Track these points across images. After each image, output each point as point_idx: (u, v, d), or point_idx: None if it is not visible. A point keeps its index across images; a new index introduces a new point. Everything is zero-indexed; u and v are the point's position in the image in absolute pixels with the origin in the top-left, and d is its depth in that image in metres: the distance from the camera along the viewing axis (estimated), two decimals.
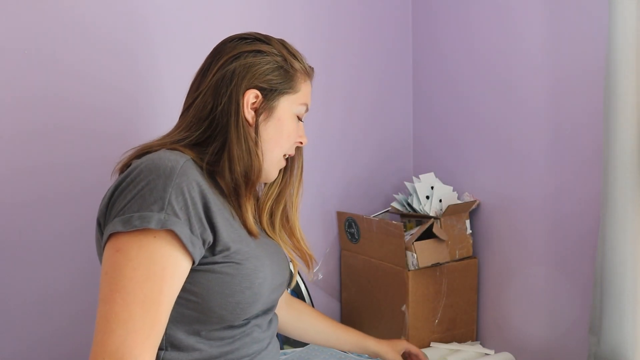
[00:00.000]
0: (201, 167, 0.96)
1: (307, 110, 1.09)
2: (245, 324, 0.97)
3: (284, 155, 1.06)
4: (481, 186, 1.71)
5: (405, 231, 1.66)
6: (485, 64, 1.68)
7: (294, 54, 1.05)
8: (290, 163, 1.12)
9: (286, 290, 1.18)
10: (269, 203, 1.11)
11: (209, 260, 0.90)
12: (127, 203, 0.86)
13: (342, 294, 1.88)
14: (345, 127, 1.87)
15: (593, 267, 1.36)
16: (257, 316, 1.00)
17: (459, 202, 1.70)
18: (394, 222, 1.64)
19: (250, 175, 0.98)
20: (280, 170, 1.09)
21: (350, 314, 1.86)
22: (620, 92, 1.18)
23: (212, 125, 0.99)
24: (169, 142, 0.98)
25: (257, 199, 1.11)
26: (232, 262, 0.91)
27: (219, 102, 0.98)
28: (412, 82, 1.98)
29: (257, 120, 0.99)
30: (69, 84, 1.42)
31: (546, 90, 1.50)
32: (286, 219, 1.13)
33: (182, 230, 0.85)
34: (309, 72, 1.08)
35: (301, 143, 1.10)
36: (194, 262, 0.89)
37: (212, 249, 0.91)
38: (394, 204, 1.78)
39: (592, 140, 1.37)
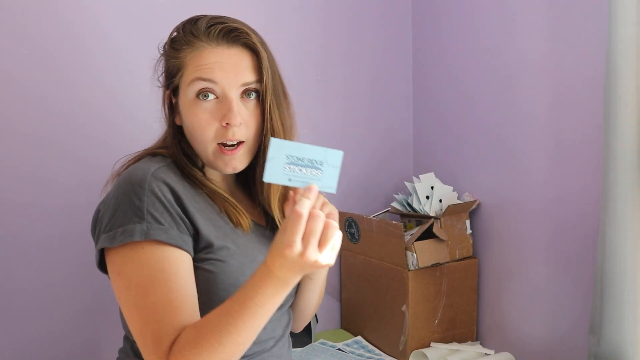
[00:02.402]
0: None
1: (209, 81, 0.91)
2: None
3: (218, 142, 0.94)
4: (481, 186, 1.71)
5: (405, 231, 1.66)
6: (485, 63, 1.68)
7: (173, 38, 0.98)
8: (262, 150, 0.97)
9: None
10: (266, 191, 1.01)
11: (193, 258, 0.91)
12: (111, 218, 0.88)
13: (342, 294, 1.88)
14: (345, 127, 1.87)
15: (593, 267, 1.36)
16: None
17: (459, 202, 1.70)
18: (394, 222, 1.64)
19: (197, 175, 0.98)
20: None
21: (350, 314, 1.86)
22: (620, 93, 1.19)
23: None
24: (156, 147, 1.01)
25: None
26: (216, 260, 0.91)
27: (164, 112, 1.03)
28: (412, 82, 1.98)
29: (174, 122, 1.00)
30: (73, 86, 1.42)
31: (546, 89, 1.50)
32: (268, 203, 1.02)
33: (169, 234, 0.86)
34: (191, 42, 0.94)
35: (227, 125, 0.91)
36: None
37: (195, 245, 0.91)
38: (394, 204, 1.77)
39: (592, 140, 1.37)
